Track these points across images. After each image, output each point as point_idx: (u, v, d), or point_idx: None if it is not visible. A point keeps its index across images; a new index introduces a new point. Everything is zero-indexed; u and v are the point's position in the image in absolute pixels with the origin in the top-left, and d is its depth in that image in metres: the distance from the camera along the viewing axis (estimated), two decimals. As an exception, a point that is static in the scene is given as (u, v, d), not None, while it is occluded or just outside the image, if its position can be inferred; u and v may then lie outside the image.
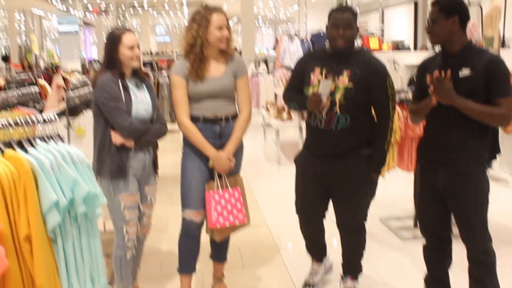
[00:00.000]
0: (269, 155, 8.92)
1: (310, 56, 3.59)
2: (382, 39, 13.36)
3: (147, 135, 3.33)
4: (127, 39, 3.28)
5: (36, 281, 2.23)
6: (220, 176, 3.49)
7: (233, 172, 3.57)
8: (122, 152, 3.29)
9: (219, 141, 3.48)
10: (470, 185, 3.00)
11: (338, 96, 3.27)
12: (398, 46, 13.26)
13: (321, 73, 3.35)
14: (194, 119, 3.45)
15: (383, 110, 3.38)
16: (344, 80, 3.28)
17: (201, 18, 3.37)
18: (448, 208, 3.12)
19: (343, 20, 3.25)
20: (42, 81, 8.01)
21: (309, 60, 3.50)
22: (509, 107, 2.88)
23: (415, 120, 3.35)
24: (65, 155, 2.40)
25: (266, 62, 15.22)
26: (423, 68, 3.20)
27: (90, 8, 29.03)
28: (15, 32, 27.08)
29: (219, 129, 3.47)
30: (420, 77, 3.15)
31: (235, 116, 3.55)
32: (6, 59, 23.82)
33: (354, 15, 3.32)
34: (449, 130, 3.02)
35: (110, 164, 3.27)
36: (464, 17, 2.99)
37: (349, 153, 3.37)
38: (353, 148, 3.37)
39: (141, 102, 3.36)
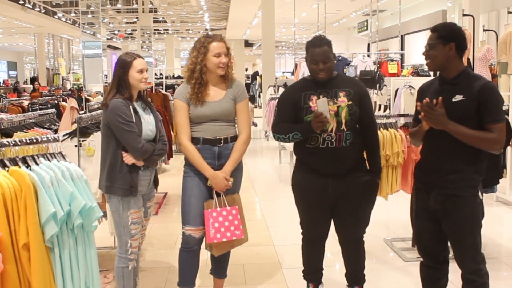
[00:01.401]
0: (283, 177, 9.05)
1: (297, 88, 3.66)
2: (401, 65, 13.46)
3: (154, 154, 3.55)
4: (137, 63, 3.51)
5: (33, 286, 2.40)
6: (218, 195, 3.65)
7: (232, 191, 3.72)
8: (133, 171, 3.48)
9: (218, 162, 3.65)
10: (461, 207, 3.07)
11: (343, 115, 3.44)
12: (417, 71, 13.32)
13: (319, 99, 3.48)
14: (194, 140, 3.63)
15: (372, 121, 3.67)
16: (343, 99, 3.47)
17: (200, 46, 3.60)
18: (443, 229, 3.21)
19: (321, 55, 3.42)
20: (63, 103, 8.32)
21: (298, 91, 3.59)
22: (501, 133, 2.97)
23: (414, 143, 3.46)
24: (65, 171, 2.60)
25: (285, 86, 15.41)
26: (422, 92, 3.31)
27: (117, 33, 29.79)
28: (44, 56, 27.87)
29: (218, 150, 3.64)
30: (420, 100, 3.22)
31: (234, 138, 3.72)
32: (34, 81, 24.51)
33: (330, 45, 3.48)
34: (441, 154, 3.12)
35: (123, 183, 3.46)
36: (460, 44, 3.11)
37: (356, 167, 3.55)
38: (358, 161, 3.58)
39: (147, 123, 3.57)
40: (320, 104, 3.37)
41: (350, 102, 3.46)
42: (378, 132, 4.83)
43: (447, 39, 3.08)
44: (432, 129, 3.09)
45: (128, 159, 3.45)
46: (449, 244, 3.25)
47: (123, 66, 3.50)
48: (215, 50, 3.56)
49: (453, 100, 3.03)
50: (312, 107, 3.49)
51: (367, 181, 3.59)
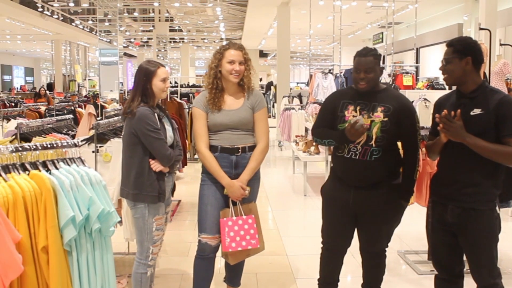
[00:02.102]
0: (296, 187, 9.05)
1: (340, 95, 3.69)
2: (416, 77, 13.44)
3: (175, 160, 3.61)
4: (161, 72, 3.56)
5: (51, 289, 2.44)
6: (234, 204, 3.67)
7: (248, 200, 3.73)
8: (160, 178, 3.53)
9: (235, 171, 3.67)
10: (478, 221, 3.06)
11: (374, 130, 3.39)
12: (432, 84, 13.31)
13: (355, 110, 3.47)
14: (212, 148, 3.66)
15: (412, 143, 3.51)
16: (379, 115, 3.42)
17: (217, 53, 3.69)
18: (459, 243, 3.19)
19: (364, 64, 3.39)
20: (80, 109, 8.40)
21: (339, 99, 3.60)
22: None
23: (431, 156, 3.43)
24: (84, 176, 2.64)
25: (300, 96, 15.46)
26: (438, 105, 3.31)
27: (133, 41, 30.02)
28: (60, 62, 28.16)
29: (235, 159, 3.66)
30: (436, 114, 3.21)
31: (252, 148, 3.73)
32: (50, 87, 24.79)
33: (377, 57, 3.44)
34: (459, 167, 3.11)
35: (151, 190, 3.49)
36: (477, 58, 3.10)
37: (380, 184, 3.48)
38: (384, 178, 3.49)
39: (167, 130, 3.63)
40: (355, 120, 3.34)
41: (385, 119, 3.39)
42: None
43: (463, 53, 3.07)
44: (449, 142, 3.08)
45: (156, 166, 3.49)
46: (464, 258, 3.24)
47: (146, 74, 3.54)
48: (229, 57, 3.61)
49: (471, 113, 3.03)
50: (346, 117, 3.48)
51: (390, 200, 3.51)
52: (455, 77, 3.12)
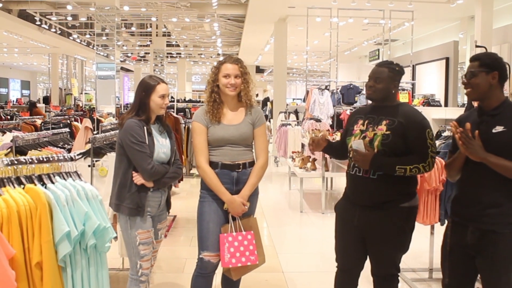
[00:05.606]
0: (292, 204, 9.01)
1: (358, 110, 3.70)
2: (413, 94, 13.48)
3: (165, 177, 3.57)
4: (160, 88, 3.57)
5: (44, 306, 2.39)
6: (234, 219, 3.63)
7: (247, 214, 3.71)
8: (141, 192, 3.50)
9: (236, 187, 3.64)
10: (498, 244, 2.94)
11: (376, 143, 3.30)
12: (428, 101, 13.36)
13: (363, 124, 3.44)
14: (213, 164, 3.63)
15: (422, 156, 3.24)
16: (382, 128, 3.33)
17: (214, 67, 3.72)
18: (475, 265, 3.06)
19: (375, 73, 3.39)
20: (76, 123, 8.37)
21: (355, 114, 3.62)
22: None
23: (451, 176, 3.28)
24: (80, 191, 2.61)
25: (296, 112, 15.46)
26: (459, 123, 3.12)
27: (130, 55, 30.08)
28: (57, 76, 28.19)
29: (236, 175, 3.64)
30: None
31: (252, 163, 3.72)
32: (47, 100, 24.76)
33: (392, 71, 3.39)
34: (481, 187, 3.01)
35: (130, 202, 3.47)
36: (503, 74, 3.02)
37: (387, 205, 3.33)
38: (392, 200, 3.33)
39: (161, 146, 3.60)
40: (355, 144, 3.32)
41: (387, 132, 3.29)
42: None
43: (491, 67, 2.99)
44: (470, 161, 2.98)
45: (138, 179, 3.48)
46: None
47: (146, 89, 3.56)
48: (225, 71, 3.63)
49: (493, 131, 2.93)
50: (353, 130, 3.47)
51: (397, 225, 3.34)
52: (480, 91, 3.03)
